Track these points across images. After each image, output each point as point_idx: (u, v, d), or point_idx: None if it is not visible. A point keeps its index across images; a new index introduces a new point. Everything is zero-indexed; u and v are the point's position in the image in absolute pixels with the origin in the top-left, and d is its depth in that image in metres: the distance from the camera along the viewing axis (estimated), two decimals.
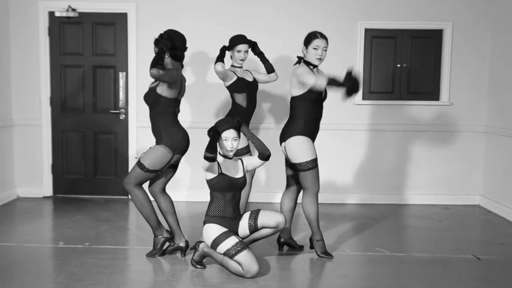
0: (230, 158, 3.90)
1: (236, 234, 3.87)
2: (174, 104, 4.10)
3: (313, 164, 4.14)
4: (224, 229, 3.80)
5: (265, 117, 6.04)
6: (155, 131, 4.11)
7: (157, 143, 4.10)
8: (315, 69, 4.18)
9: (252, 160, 4.00)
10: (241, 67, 4.69)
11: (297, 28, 5.86)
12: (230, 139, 3.81)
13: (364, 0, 5.99)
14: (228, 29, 5.95)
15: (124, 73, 6.05)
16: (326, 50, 4.13)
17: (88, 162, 6.22)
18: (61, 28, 6.06)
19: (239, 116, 4.34)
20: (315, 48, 4.09)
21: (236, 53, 4.61)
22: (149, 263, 4.07)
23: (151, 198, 4.19)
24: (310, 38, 4.13)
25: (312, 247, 4.29)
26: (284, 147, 4.18)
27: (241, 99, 4.62)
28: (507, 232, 5.12)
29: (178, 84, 4.07)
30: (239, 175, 3.91)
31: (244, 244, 3.75)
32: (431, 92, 6.11)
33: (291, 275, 3.89)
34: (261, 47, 5.93)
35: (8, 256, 4.19)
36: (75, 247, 4.39)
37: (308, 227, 4.38)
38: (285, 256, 4.25)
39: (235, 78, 4.59)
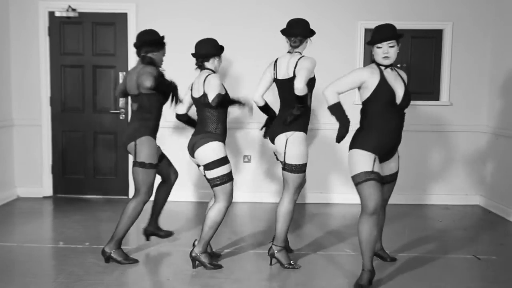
0: None
1: None
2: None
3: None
4: None
5: None
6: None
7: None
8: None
9: None
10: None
11: None
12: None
13: (364, 0, 5.98)
14: (228, 29, 5.96)
15: (124, 73, 6.02)
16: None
17: (88, 162, 6.22)
18: (61, 28, 6.06)
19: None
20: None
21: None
22: (149, 263, 4.07)
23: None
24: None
25: None
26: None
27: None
28: (507, 232, 5.13)
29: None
30: None
31: None
32: (431, 92, 6.11)
33: (291, 275, 3.89)
34: (260, 45, 5.98)
35: (8, 256, 4.20)
36: (75, 247, 4.39)
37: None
38: None
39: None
